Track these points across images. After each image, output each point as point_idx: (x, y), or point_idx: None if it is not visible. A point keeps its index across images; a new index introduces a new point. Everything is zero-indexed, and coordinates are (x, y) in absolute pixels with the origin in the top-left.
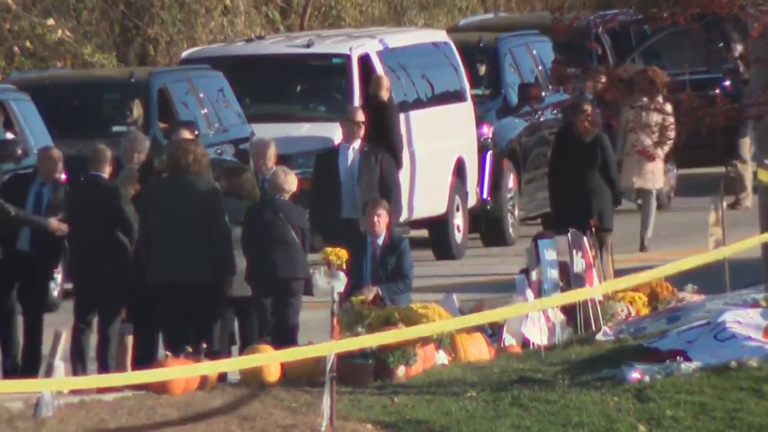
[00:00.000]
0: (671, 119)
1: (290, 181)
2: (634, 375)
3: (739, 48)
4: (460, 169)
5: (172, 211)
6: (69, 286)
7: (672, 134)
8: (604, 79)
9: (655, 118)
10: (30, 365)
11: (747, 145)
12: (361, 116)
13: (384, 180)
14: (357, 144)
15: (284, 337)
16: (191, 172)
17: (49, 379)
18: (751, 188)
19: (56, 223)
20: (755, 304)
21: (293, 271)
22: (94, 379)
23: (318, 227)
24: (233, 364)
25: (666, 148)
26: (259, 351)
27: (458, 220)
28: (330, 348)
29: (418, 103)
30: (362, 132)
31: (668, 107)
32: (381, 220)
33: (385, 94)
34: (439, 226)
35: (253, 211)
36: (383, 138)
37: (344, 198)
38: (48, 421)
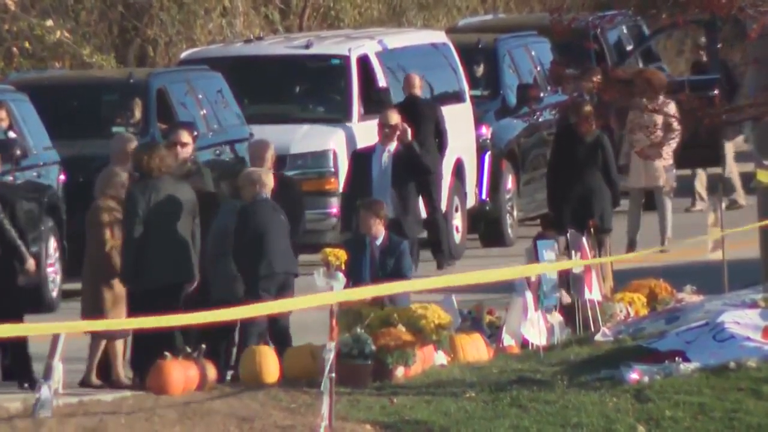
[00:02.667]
0: (671, 119)
1: (271, 178)
2: (633, 375)
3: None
4: (458, 170)
5: (169, 212)
6: (68, 286)
7: (675, 134)
8: (597, 78)
9: (654, 118)
10: (20, 367)
11: (730, 148)
12: (395, 119)
13: (422, 170)
14: (392, 146)
15: (283, 334)
16: (173, 173)
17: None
18: (741, 188)
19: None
20: (754, 305)
21: (292, 266)
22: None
23: (348, 227)
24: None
25: (666, 148)
26: (259, 353)
27: (457, 220)
28: (332, 298)
29: None
30: (397, 134)
31: (671, 108)
32: (377, 222)
33: (417, 92)
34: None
35: (250, 210)
36: (425, 134)
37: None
38: (47, 422)
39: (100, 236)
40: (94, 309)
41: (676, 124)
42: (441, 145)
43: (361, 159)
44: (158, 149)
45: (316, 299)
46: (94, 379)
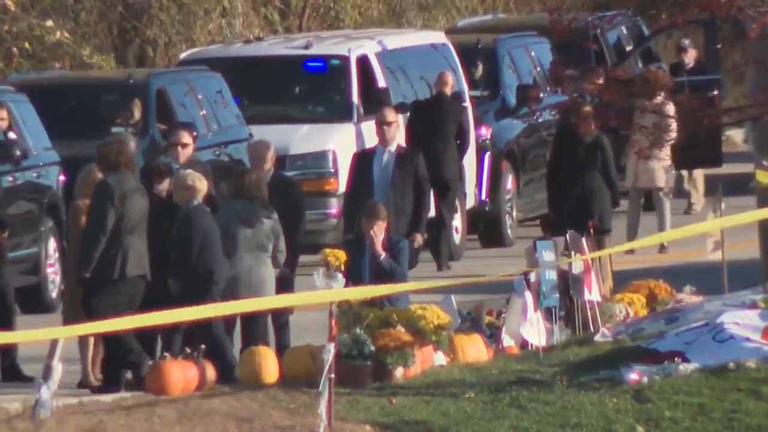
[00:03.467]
0: (669, 120)
1: (205, 184)
2: (633, 376)
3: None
4: (458, 173)
5: (135, 207)
6: None
7: (672, 134)
8: (600, 80)
9: (652, 118)
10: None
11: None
12: (391, 116)
13: (419, 183)
14: (393, 146)
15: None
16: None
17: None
18: (702, 192)
19: None
20: (753, 306)
21: (228, 272)
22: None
23: (351, 228)
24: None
25: (664, 149)
26: (259, 354)
27: (457, 221)
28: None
29: None
30: (395, 132)
31: (669, 108)
32: (378, 229)
33: (447, 90)
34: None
35: (188, 217)
36: (447, 133)
37: (377, 200)
38: (46, 422)
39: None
40: (79, 311)
41: (673, 125)
42: (461, 148)
43: (362, 160)
44: (126, 145)
45: (319, 296)
46: (93, 380)
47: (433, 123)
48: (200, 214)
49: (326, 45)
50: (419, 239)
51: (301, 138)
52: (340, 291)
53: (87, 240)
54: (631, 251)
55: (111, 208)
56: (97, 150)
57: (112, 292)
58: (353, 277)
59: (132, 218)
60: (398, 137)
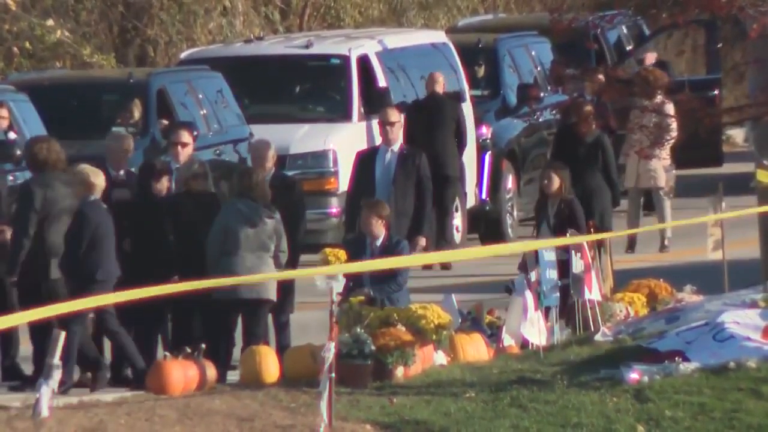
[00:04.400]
0: (669, 119)
1: (102, 179)
2: (633, 375)
3: None
4: (459, 170)
5: (61, 208)
6: None
7: (673, 134)
8: (601, 77)
9: (653, 118)
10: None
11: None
12: (395, 116)
13: (420, 183)
14: (396, 146)
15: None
16: None
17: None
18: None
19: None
20: (754, 305)
21: (118, 270)
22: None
23: (352, 227)
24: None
25: (664, 149)
26: (260, 353)
27: (457, 220)
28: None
29: None
30: (399, 132)
31: (669, 108)
32: (378, 222)
33: (440, 89)
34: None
35: (83, 214)
36: (445, 132)
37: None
38: (46, 422)
39: None
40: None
41: (674, 125)
42: (460, 145)
43: (365, 159)
44: (54, 144)
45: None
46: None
47: (431, 122)
48: (94, 210)
49: (327, 44)
50: (422, 242)
51: (301, 137)
52: (342, 266)
53: (13, 245)
54: (631, 250)
55: (33, 213)
56: (24, 148)
57: (42, 293)
58: (353, 276)
59: (54, 219)
60: (401, 137)
